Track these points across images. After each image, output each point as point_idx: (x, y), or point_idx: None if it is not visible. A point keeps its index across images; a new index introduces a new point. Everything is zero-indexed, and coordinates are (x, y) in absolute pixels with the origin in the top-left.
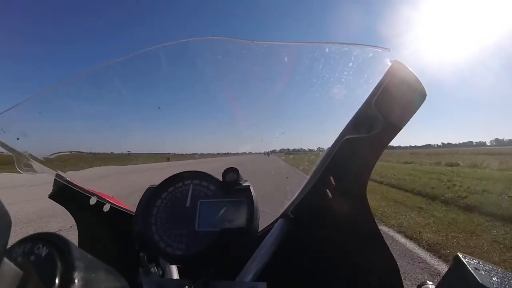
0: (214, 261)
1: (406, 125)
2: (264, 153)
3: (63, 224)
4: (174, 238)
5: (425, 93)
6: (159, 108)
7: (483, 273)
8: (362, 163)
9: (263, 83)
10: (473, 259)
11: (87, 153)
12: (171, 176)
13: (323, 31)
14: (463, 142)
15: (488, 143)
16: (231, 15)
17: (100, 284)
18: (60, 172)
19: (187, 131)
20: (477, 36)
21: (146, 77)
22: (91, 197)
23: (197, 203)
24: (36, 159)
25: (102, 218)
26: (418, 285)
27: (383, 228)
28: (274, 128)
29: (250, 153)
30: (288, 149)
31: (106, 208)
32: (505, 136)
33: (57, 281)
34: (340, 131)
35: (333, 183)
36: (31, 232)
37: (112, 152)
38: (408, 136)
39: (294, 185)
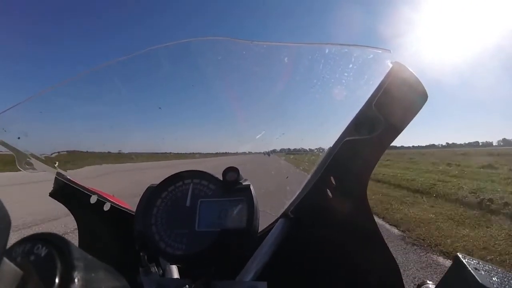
0: (215, 261)
1: (409, 125)
2: (264, 153)
3: None
4: (175, 237)
5: (427, 95)
6: (159, 108)
7: (483, 273)
8: (362, 163)
9: (263, 84)
10: (473, 259)
11: (87, 152)
12: (171, 176)
13: (324, 31)
14: (469, 143)
15: (495, 143)
16: (231, 16)
17: (100, 284)
18: (60, 171)
19: (187, 131)
20: (482, 34)
21: (146, 77)
22: (91, 195)
23: (197, 203)
24: (37, 157)
25: (103, 217)
26: (418, 284)
27: None
28: (274, 128)
29: (250, 152)
30: (289, 149)
31: (107, 207)
32: None
33: (57, 281)
34: (341, 132)
35: (334, 183)
36: None
37: (109, 152)
38: (412, 136)
39: (295, 185)
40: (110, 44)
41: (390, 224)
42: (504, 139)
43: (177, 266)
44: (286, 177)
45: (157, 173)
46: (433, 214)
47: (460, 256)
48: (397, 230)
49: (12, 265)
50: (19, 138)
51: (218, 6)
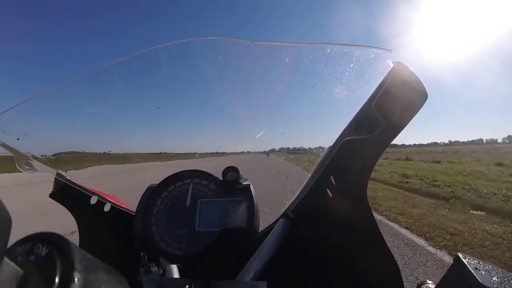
0: (215, 261)
1: (410, 124)
2: (262, 152)
3: None
4: (175, 237)
5: (427, 94)
6: (159, 108)
7: (483, 273)
8: (362, 163)
9: (264, 84)
10: (473, 259)
11: (84, 152)
12: (171, 175)
13: (324, 32)
14: (472, 140)
15: (500, 141)
16: (232, 16)
17: (100, 284)
18: (60, 171)
19: (187, 130)
20: (484, 32)
21: (146, 77)
22: (91, 196)
23: (197, 203)
24: (36, 158)
25: (103, 218)
26: (418, 284)
27: None
28: (274, 128)
29: (248, 152)
30: (288, 148)
31: (107, 207)
32: None
33: (57, 280)
34: (341, 131)
35: (334, 183)
36: None
37: (109, 152)
38: (412, 134)
39: (295, 185)
40: (110, 44)
41: None
42: (509, 136)
43: (177, 266)
44: (286, 177)
45: (157, 173)
46: None
47: (460, 256)
48: None
49: (12, 264)
50: (18, 139)
51: (219, 6)
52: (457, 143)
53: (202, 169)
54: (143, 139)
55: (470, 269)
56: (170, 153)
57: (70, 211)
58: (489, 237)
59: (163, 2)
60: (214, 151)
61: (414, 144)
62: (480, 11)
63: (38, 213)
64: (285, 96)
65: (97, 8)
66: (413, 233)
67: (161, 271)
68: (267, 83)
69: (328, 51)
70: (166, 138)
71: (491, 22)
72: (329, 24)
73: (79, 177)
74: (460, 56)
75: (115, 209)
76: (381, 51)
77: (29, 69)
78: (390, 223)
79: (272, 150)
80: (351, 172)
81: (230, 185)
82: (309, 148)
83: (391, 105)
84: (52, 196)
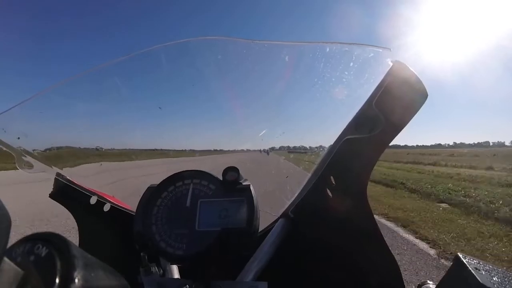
0: (215, 261)
1: (412, 124)
2: (261, 151)
3: None
4: (175, 237)
5: (427, 93)
6: (160, 108)
7: (483, 273)
8: (362, 162)
9: (264, 83)
10: (473, 259)
11: (80, 147)
12: (171, 176)
13: (324, 32)
14: (479, 142)
15: (508, 143)
16: (232, 16)
17: (100, 284)
18: (59, 170)
19: (187, 129)
20: (493, 30)
21: (147, 77)
22: (91, 196)
23: (197, 203)
24: (37, 158)
25: (103, 218)
26: (418, 284)
27: None
28: (274, 127)
29: (248, 150)
30: (289, 147)
31: (107, 207)
32: None
33: (57, 280)
34: (341, 130)
35: (334, 182)
36: None
37: (113, 148)
38: (416, 135)
39: (294, 185)
40: (109, 44)
41: None
42: None
43: (178, 266)
44: (286, 176)
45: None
46: None
47: (460, 256)
48: None
49: (12, 264)
50: (19, 138)
51: (219, 6)
52: (462, 145)
53: (202, 169)
54: (144, 139)
55: (470, 269)
56: (170, 151)
57: (70, 211)
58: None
59: (163, 2)
60: (215, 150)
61: (417, 145)
62: (492, 7)
63: None
64: (285, 95)
65: (96, 7)
66: None
67: (161, 271)
68: (267, 82)
69: (327, 50)
70: (165, 137)
71: (498, 20)
72: (330, 25)
73: (78, 173)
74: (464, 56)
75: (115, 209)
76: (380, 50)
77: (28, 68)
78: None
79: (272, 149)
80: (351, 171)
81: (230, 185)
82: (309, 147)
83: (391, 104)
84: (52, 196)
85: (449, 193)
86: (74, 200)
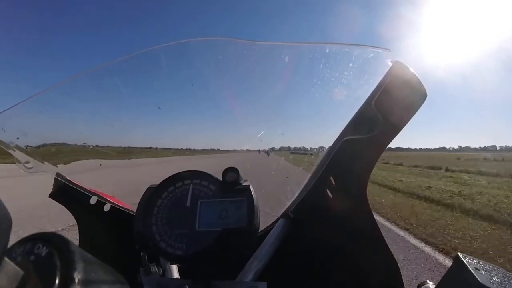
0: (215, 261)
1: (415, 127)
2: (259, 151)
3: None
4: (175, 238)
5: (426, 94)
6: (159, 108)
7: (483, 273)
8: (362, 163)
9: (263, 83)
10: (473, 259)
11: (78, 145)
12: (171, 176)
13: (325, 33)
14: (485, 146)
15: None
16: (232, 16)
17: (100, 284)
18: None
19: (187, 130)
20: (503, 31)
21: (147, 77)
22: (91, 196)
23: (197, 203)
24: (36, 158)
25: (103, 218)
26: (418, 284)
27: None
28: (274, 128)
29: (248, 150)
30: (289, 147)
31: (107, 207)
32: None
33: (57, 280)
34: (340, 131)
35: (333, 183)
36: None
37: (109, 146)
38: (418, 137)
39: (294, 185)
40: (109, 44)
41: None
42: None
43: (178, 266)
44: (285, 177)
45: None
46: None
47: (460, 256)
48: None
49: (12, 264)
50: (18, 138)
51: (219, 7)
52: (467, 148)
53: (202, 170)
54: (144, 139)
55: (470, 269)
56: (170, 150)
57: (70, 211)
58: None
59: (162, 2)
60: (211, 149)
61: (420, 148)
62: (500, 8)
63: None
64: (285, 96)
65: (96, 7)
66: None
67: (161, 271)
68: (267, 83)
69: (327, 50)
70: (165, 136)
71: (503, 21)
72: (330, 25)
73: (74, 170)
74: (469, 58)
75: (115, 209)
76: (380, 51)
77: (27, 68)
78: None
79: (272, 149)
80: (350, 172)
81: (230, 186)
82: (310, 148)
83: (391, 104)
84: (52, 196)
85: None
86: (74, 200)
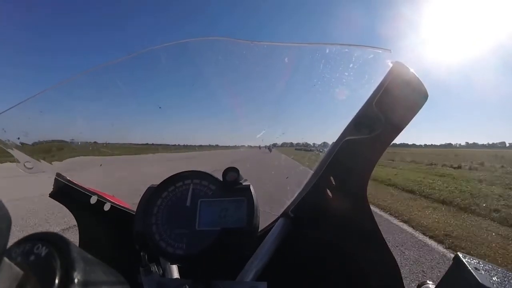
0: (215, 261)
1: (421, 123)
2: (260, 147)
3: None
4: (175, 237)
5: (427, 94)
6: (160, 107)
7: (483, 272)
8: (363, 163)
9: (264, 84)
10: (473, 259)
11: (82, 144)
12: (171, 176)
13: (326, 33)
14: (493, 143)
15: None
16: (232, 16)
17: (100, 284)
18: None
19: (187, 129)
20: (506, 28)
21: (148, 77)
22: (91, 196)
23: (197, 202)
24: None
25: (103, 217)
26: (418, 284)
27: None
28: (275, 128)
29: (249, 146)
30: (292, 143)
31: (107, 207)
32: None
33: (56, 281)
34: (341, 131)
35: (334, 183)
36: None
37: (114, 143)
38: (424, 134)
39: (295, 185)
40: (109, 44)
41: None
42: None
43: (178, 266)
44: (286, 177)
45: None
46: None
47: (460, 255)
48: None
49: (12, 265)
50: (18, 138)
51: (219, 7)
52: (475, 145)
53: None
54: (144, 139)
55: (470, 269)
56: (171, 145)
57: (70, 211)
58: None
59: (163, 2)
60: (209, 145)
61: (425, 145)
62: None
63: None
64: (286, 97)
65: (96, 6)
66: None
67: (161, 271)
68: (268, 84)
69: (327, 51)
70: (165, 136)
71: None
72: (331, 26)
73: (72, 168)
74: (475, 53)
75: (115, 208)
76: (380, 51)
77: (27, 68)
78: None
79: (274, 145)
80: (351, 172)
81: (230, 186)
82: (313, 144)
83: (392, 105)
84: (52, 195)
85: None
86: (74, 200)
